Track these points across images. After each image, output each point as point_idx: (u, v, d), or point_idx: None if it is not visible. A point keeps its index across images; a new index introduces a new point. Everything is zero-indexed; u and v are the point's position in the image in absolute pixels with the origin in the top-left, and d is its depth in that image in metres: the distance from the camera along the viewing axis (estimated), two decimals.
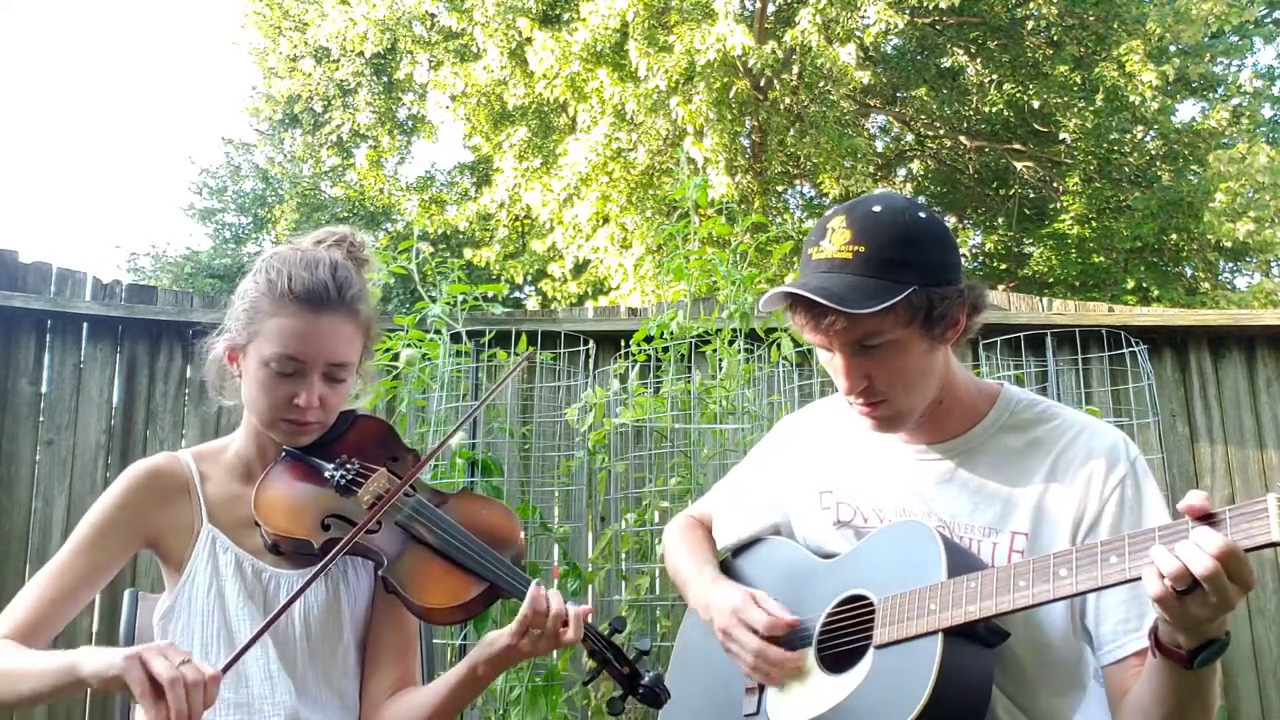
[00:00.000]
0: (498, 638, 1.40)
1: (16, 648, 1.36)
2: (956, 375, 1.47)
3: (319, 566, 1.39)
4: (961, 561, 1.33)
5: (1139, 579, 1.13)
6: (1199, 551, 1.06)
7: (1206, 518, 1.09)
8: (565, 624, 1.37)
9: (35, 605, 1.41)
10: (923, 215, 1.39)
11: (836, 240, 1.37)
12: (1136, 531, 1.17)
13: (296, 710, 1.46)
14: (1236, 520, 1.07)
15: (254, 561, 1.51)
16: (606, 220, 9.90)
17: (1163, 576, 1.08)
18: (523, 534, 1.57)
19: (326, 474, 1.53)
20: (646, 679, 1.43)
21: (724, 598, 1.55)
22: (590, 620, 1.42)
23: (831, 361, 1.42)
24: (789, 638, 1.48)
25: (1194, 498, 1.10)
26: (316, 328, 1.47)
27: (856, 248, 1.35)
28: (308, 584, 1.38)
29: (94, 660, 1.21)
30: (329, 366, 1.49)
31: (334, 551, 1.39)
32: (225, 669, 1.26)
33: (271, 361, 1.46)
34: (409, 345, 3.06)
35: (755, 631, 1.47)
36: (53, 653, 1.30)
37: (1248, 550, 1.06)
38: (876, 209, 1.38)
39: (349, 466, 1.54)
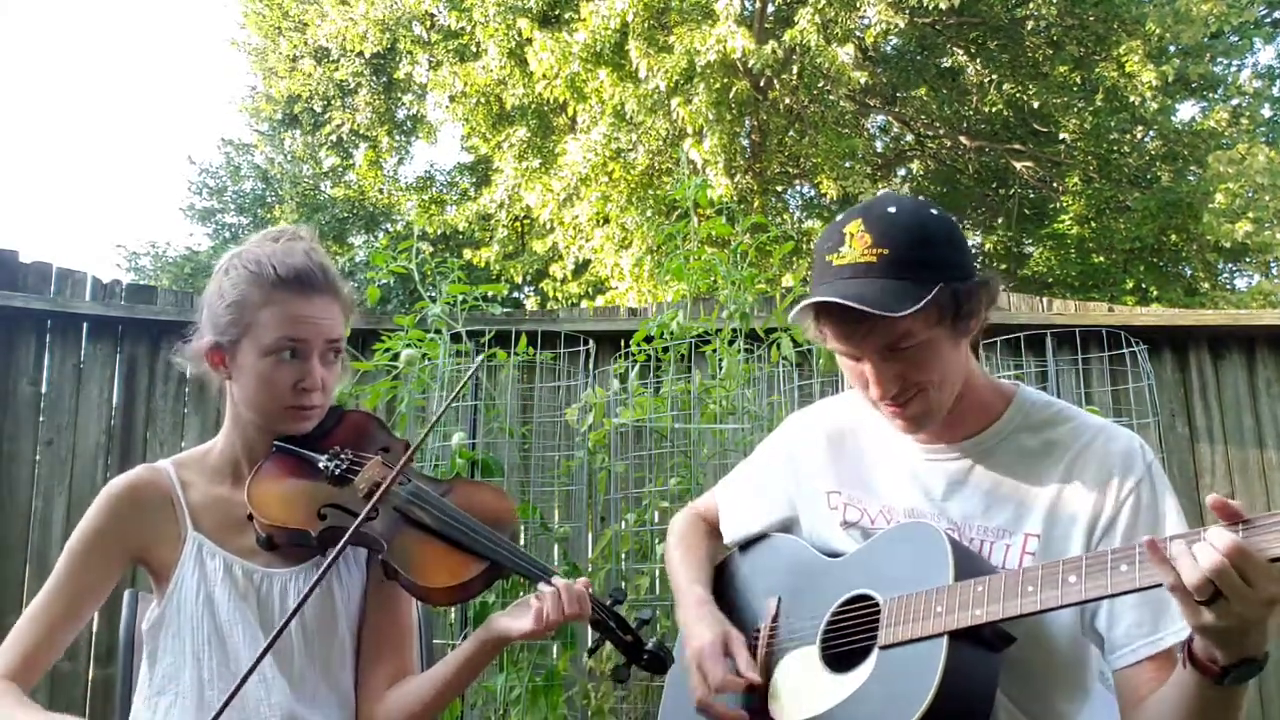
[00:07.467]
0: (499, 618, 1.45)
1: (17, 700, 1.38)
2: (974, 372, 1.47)
3: (325, 565, 1.39)
4: (969, 565, 1.32)
5: (1148, 587, 1.12)
6: (1210, 549, 1.05)
7: (1235, 521, 1.07)
8: (578, 603, 1.40)
9: (28, 641, 1.44)
10: (935, 213, 1.39)
11: (857, 245, 1.35)
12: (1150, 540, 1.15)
13: (293, 710, 1.46)
14: (1258, 529, 1.05)
15: (243, 564, 1.50)
16: (606, 220, 9.89)
17: (1175, 572, 1.07)
18: (516, 512, 1.60)
19: (320, 465, 1.54)
20: (650, 645, 1.44)
21: (698, 633, 1.54)
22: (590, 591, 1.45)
23: (858, 369, 1.41)
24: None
25: (1216, 498, 1.08)
26: (312, 308, 1.51)
27: (880, 251, 1.34)
28: (316, 583, 1.38)
29: None
30: (326, 345, 1.52)
31: (338, 548, 1.39)
32: (225, 705, 1.26)
33: (274, 348, 1.48)
34: (409, 345, 3.05)
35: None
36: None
37: (1272, 560, 1.04)
38: (892, 210, 1.38)
39: (343, 457, 1.55)
